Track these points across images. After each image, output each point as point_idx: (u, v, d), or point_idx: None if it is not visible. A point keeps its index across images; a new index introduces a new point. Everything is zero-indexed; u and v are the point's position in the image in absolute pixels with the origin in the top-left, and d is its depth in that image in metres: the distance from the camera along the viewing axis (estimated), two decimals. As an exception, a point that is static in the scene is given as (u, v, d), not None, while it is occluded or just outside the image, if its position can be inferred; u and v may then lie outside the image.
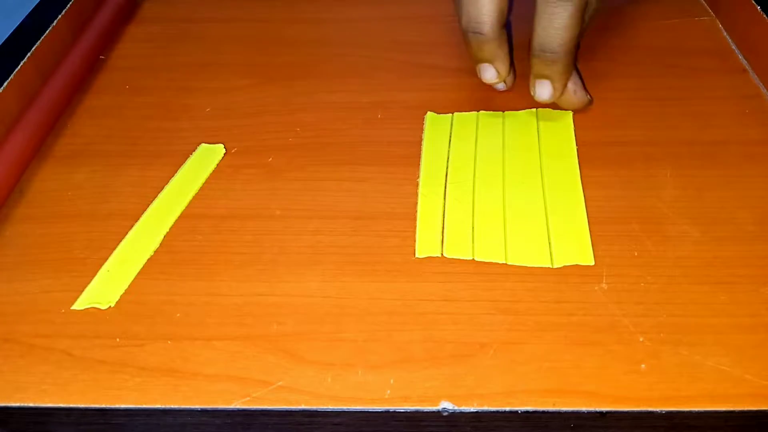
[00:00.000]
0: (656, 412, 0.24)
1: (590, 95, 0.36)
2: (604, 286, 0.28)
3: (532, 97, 0.38)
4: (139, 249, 0.30)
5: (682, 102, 0.37)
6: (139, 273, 0.29)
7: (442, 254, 0.29)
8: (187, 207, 0.32)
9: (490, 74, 0.33)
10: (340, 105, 0.38)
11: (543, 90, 0.33)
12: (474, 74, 0.40)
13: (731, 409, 0.24)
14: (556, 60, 0.32)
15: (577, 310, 0.27)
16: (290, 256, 0.29)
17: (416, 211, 0.31)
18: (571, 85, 0.35)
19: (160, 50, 0.43)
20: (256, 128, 0.36)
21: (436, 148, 0.35)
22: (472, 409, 0.24)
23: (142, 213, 0.31)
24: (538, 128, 0.36)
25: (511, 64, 0.35)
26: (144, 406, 0.24)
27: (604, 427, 0.23)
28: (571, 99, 0.35)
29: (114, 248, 0.30)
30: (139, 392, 0.25)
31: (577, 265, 0.29)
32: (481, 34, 0.32)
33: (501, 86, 0.37)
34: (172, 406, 0.24)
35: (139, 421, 0.24)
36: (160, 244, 0.30)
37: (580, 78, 0.36)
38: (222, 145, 0.35)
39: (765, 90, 0.38)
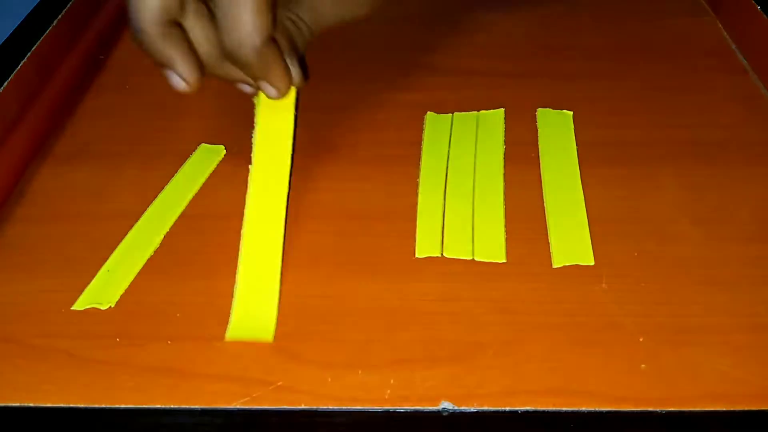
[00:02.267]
0: (656, 412, 0.24)
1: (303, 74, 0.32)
2: (604, 286, 0.28)
3: (533, 98, 0.38)
4: (139, 249, 0.30)
5: (682, 102, 0.37)
6: (139, 273, 0.29)
7: (441, 254, 0.29)
8: (187, 207, 0.32)
9: (173, 81, 0.28)
10: (341, 105, 0.38)
11: (266, 90, 0.29)
12: (474, 74, 0.40)
13: (731, 409, 0.24)
14: (248, 62, 0.27)
15: (577, 310, 0.27)
16: (290, 256, 0.29)
17: (416, 211, 0.31)
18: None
19: (160, 50, 0.43)
20: (256, 128, 0.36)
21: (436, 148, 0.35)
22: (472, 409, 0.24)
23: (142, 213, 0.31)
24: (538, 128, 0.36)
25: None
26: (144, 406, 0.24)
27: (604, 427, 0.23)
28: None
29: (114, 248, 0.30)
30: (139, 392, 0.25)
31: (577, 265, 0.29)
32: (144, 33, 0.27)
33: (176, 83, 0.29)
34: (172, 406, 0.24)
35: (139, 421, 0.24)
36: (160, 244, 0.30)
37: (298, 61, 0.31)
38: (222, 146, 0.35)
39: (765, 90, 0.38)
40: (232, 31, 0.27)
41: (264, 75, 0.29)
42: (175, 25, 0.27)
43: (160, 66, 0.28)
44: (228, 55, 0.28)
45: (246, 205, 0.29)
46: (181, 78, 0.28)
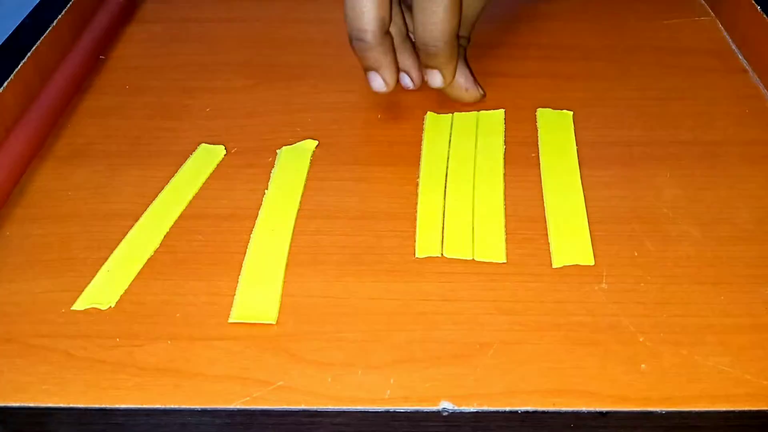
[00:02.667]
0: (656, 412, 0.24)
1: (482, 89, 0.37)
2: (604, 286, 0.28)
3: (533, 98, 0.38)
4: (139, 249, 0.30)
5: (682, 102, 0.37)
6: (139, 273, 0.29)
7: (442, 254, 0.29)
8: (187, 207, 0.32)
9: (376, 83, 0.33)
10: (340, 105, 0.38)
11: (434, 79, 0.34)
12: (474, 74, 0.40)
13: (731, 409, 0.24)
14: (437, 52, 0.33)
15: (577, 310, 0.27)
16: (290, 256, 0.29)
17: (416, 211, 0.31)
18: (462, 82, 0.36)
19: (160, 50, 0.43)
20: (256, 128, 0.36)
21: (436, 148, 0.35)
22: (472, 409, 0.24)
23: (142, 213, 0.31)
24: (538, 128, 0.36)
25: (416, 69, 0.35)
26: (144, 406, 0.24)
27: (604, 427, 0.23)
28: (463, 95, 0.36)
29: (114, 248, 0.30)
30: (139, 392, 0.25)
31: (577, 265, 0.29)
32: (363, 41, 0.32)
33: (408, 83, 0.35)
34: (172, 406, 0.24)
35: (139, 421, 0.24)
36: (160, 244, 0.30)
37: (471, 73, 0.36)
38: (222, 146, 0.35)
39: (765, 90, 0.38)
40: (430, 24, 0.32)
41: (442, 66, 0.33)
42: (389, 35, 0.32)
43: (366, 69, 0.33)
44: (421, 45, 0.33)
45: (263, 202, 0.32)
46: (384, 80, 0.33)
